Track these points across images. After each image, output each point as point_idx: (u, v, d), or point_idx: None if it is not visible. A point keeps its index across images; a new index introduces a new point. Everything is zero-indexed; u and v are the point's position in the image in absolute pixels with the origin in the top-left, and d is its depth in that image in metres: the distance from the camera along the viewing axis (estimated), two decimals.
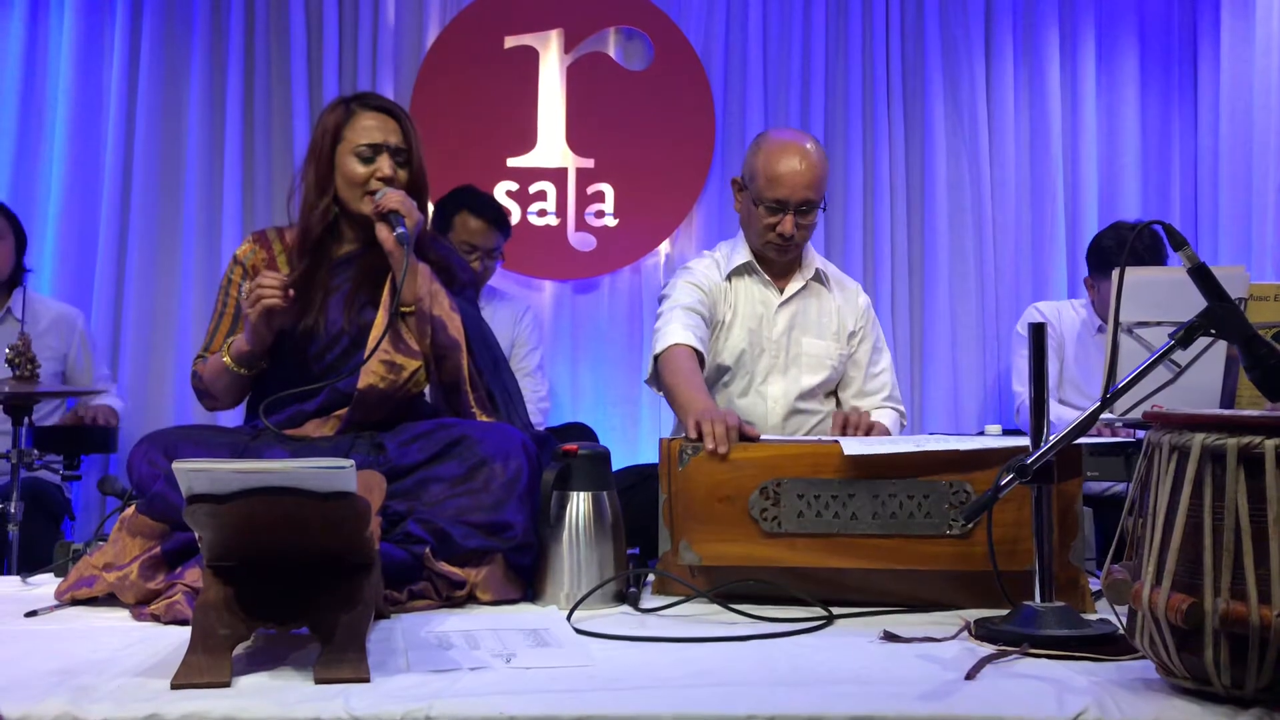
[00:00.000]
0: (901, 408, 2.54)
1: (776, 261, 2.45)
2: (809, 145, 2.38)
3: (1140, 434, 2.31)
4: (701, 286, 2.40)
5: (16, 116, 3.75)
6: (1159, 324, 2.18)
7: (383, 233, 1.92)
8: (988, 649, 1.44)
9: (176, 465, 1.22)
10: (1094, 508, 2.77)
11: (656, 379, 2.33)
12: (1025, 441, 1.68)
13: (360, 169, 1.99)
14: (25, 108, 3.77)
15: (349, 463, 1.25)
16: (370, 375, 1.88)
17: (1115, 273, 1.86)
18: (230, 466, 1.25)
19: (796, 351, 2.44)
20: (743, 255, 2.45)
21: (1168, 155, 4.08)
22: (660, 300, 2.44)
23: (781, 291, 2.46)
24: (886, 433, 2.30)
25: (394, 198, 1.93)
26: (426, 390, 2.09)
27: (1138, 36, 4.06)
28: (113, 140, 3.75)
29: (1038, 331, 1.60)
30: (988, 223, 3.95)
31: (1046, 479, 1.54)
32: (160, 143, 3.79)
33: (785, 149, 2.36)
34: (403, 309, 1.92)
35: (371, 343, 1.89)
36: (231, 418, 3.58)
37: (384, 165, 1.99)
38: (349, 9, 3.88)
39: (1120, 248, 3.02)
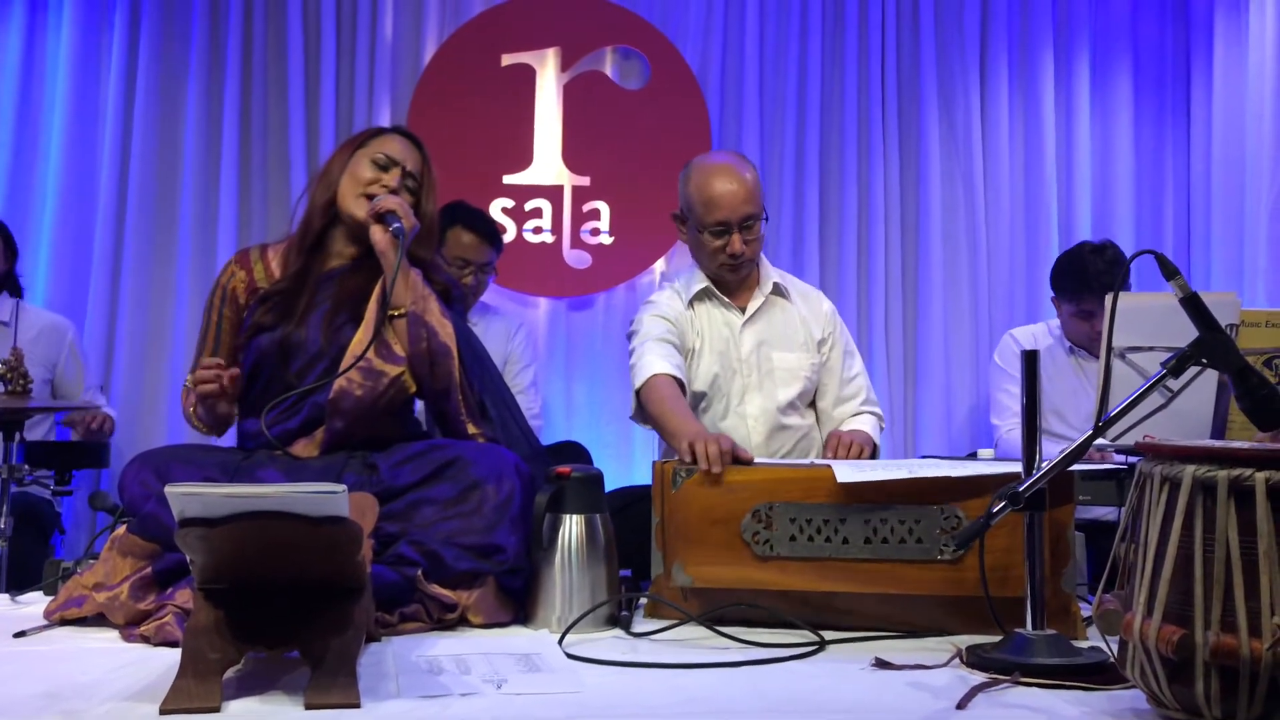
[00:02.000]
0: (879, 410, 2.54)
1: (732, 281, 2.47)
2: (737, 163, 2.41)
3: (1131, 459, 2.31)
4: (668, 317, 2.41)
5: (12, 127, 3.75)
6: (1151, 349, 2.19)
7: (377, 234, 1.93)
8: (979, 677, 1.44)
9: (169, 489, 1.22)
10: (1085, 533, 2.77)
11: (641, 413, 2.34)
12: (1017, 467, 1.68)
13: (369, 173, 2.02)
14: (21, 119, 3.77)
15: (341, 488, 1.24)
16: (345, 381, 1.88)
17: (1108, 298, 1.87)
18: (222, 491, 1.25)
19: (769, 368, 2.44)
20: (700, 281, 2.47)
21: (1161, 178, 4.10)
22: (629, 337, 2.46)
23: (743, 310, 2.47)
24: (872, 445, 2.30)
25: (392, 201, 1.96)
26: (418, 405, 2.09)
27: (1131, 60, 4.09)
28: (109, 154, 3.75)
29: (1030, 359, 1.60)
30: (981, 244, 3.97)
31: (1039, 506, 1.55)
32: (156, 156, 3.80)
33: (715, 171, 2.38)
34: (392, 312, 1.91)
35: (359, 346, 1.89)
36: (224, 438, 3.59)
37: (392, 177, 2.02)
38: (347, 25, 3.89)
39: (1073, 271, 3.02)
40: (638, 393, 2.29)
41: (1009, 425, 3.20)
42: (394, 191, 2.00)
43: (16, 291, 3.31)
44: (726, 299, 2.47)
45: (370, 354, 1.89)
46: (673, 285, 2.53)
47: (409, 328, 1.93)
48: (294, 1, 3.83)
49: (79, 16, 3.80)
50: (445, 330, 1.96)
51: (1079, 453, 1.50)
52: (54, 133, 3.77)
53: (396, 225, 1.91)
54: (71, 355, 3.32)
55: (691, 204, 2.40)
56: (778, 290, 2.51)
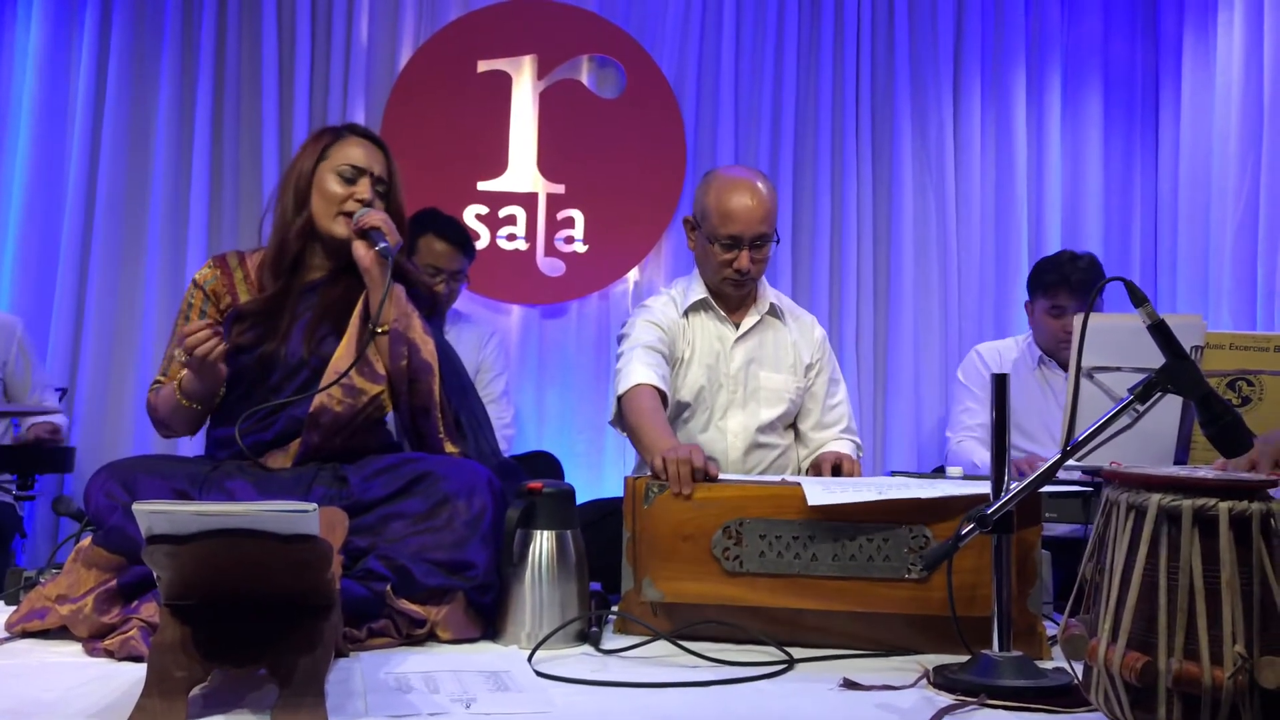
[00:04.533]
0: (858, 439, 2.57)
1: (732, 296, 2.48)
2: (759, 181, 2.41)
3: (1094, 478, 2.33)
4: (660, 325, 2.41)
5: None
6: (1118, 369, 2.22)
7: (360, 250, 1.91)
8: (946, 699, 1.45)
9: (137, 507, 1.21)
10: (1051, 550, 2.79)
11: (620, 419, 2.34)
12: (986, 487, 1.69)
13: (339, 188, 1.98)
14: None
15: (312, 506, 1.24)
16: (325, 397, 1.86)
17: (1077, 319, 1.89)
18: (191, 509, 1.24)
19: (755, 386, 2.45)
20: (698, 292, 2.47)
21: (1129, 196, 4.16)
22: (620, 340, 2.46)
23: (737, 326, 2.48)
24: (856, 471, 2.33)
25: (376, 216, 1.93)
26: (389, 417, 2.08)
27: (1102, 80, 4.15)
28: (77, 152, 3.70)
29: (999, 383, 1.62)
30: (952, 258, 4.00)
31: (1006, 529, 1.56)
32: (126, 156, 3.75)
33: (736, 186, 2.38)
34: (378, 329, 1.90)
35: (341, 363, 1.87)
36: (189, 445, 3.55)
37: (363, 188, 1.98)
38: (322, 27, 3.87)
39: (1053, 268, 3.10)
40: (619, 398, 2.29)
41: (959, 438, 3.24)
42: (368, 203, 1.98)
43: None
44: (722, 313, 2.48)
45: (352, 372, 1.87)
46: (669, 292, 2.53)
47: (391, 344, 1.92)
48: (269, 1, 3.80)
49: (48, 12, 3.75)
50: (427, 347, 1.95)
51: (1047, 476, 1.51)
52: (21, 130, 3.71)
53: (384, 245, 1.89)
54: (20, 352, 3.21)
55: (707, 213, 2.40)
56: (773, 311, 2.52)
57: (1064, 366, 3.12)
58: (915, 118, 4.04)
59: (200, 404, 1.94)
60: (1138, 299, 1.50)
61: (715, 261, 2.40)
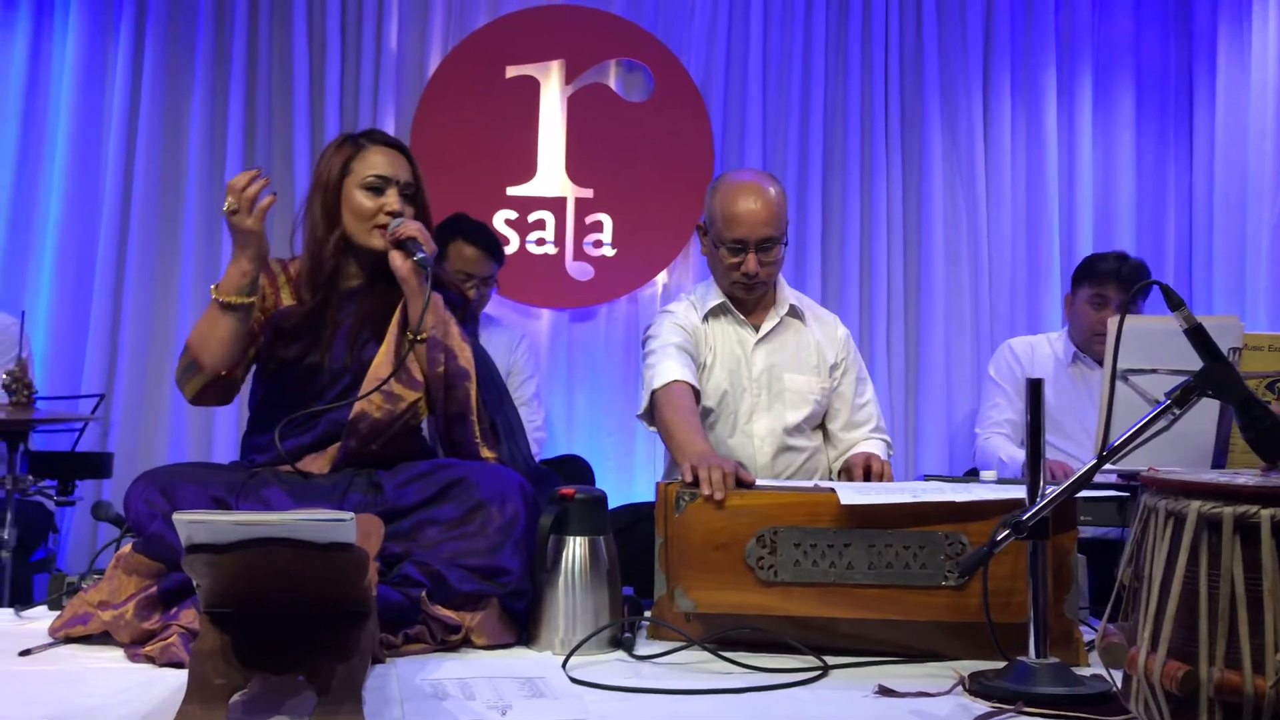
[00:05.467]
0: (888, 438, 2.56)
1: (747, 300, 2.47)
2: (765, 183, 2.40)
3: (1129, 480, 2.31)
4: (685, 328, 2.42)
5: (17, 134, 3.76)
6: (1153, 371, 2.20)
7: (397, 260, 1.92)
8: (982, 706, 1.44)
9: (177, 517, 1.22)
10: (1086, 553, 2.77)
11: (650, 414, 2.33)
12: (1021, 492, 1.68)
13: (368, 202, 1.99)
14: (27, 125, 3.78)
15: (349, 515, 1.25)
16: (365, 403, 1.88)
17: (1112, 322, 1.88)
18: (230, 518, 1.25)
19: (779, 388, 2.45)
20: (716, 297, 2.47)
21: (1163, 196, 4.12)
22: (645, 341, 2.46)
23: (757, 330, 2.47)
24: (888, 472, 2.31)
25: (412, 226, 1.94)
26: (425, 423, 2.09)
27: (1134, 79, 4.11)
28: (113, 162, 3.75)
29: (1034, 387, 1.60)
30: (983, 260, 3.98)
31: (1042, 535, 1.55)
32: (160, 164, 3.80)
33: (742, 189, 2.38)
34: (417, 337, 1.91)
35: (381, 371, 1.88)
36: (224, 452, 3.59)
37: (392, 199, 1.99)
38: (352, 34, 3.90)
39: (1101, 260, 3.12)
40: (654, 393, 2.28)
41: (987, 434, 3.23)
42: (398, 214, 1.99)
43: None
44: (741, 316, 2.47)
45: (391, 379, 1.88)
46: (689, 298, 2.53)
47: (429, 351, 1.93)
48: (299, 10, 3.83)
49: (84, 23, 3.80)
50: (464, 354, 1.96)
51: (1083, 482, 1.50)
52: (58, 140, 3.77)
53: (421, 255, 1.90)
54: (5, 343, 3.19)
55: (714, 217, 2.41)
56: (793, 312, 2.51)
57: (1098, 360, 3.11)
58: (945, 118, 4.02)
59: (241, 297, 1.88)
60: (1174, 302, 1.49)
61: (723, 265, 2.41)
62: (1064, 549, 1.72)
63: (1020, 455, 3.06)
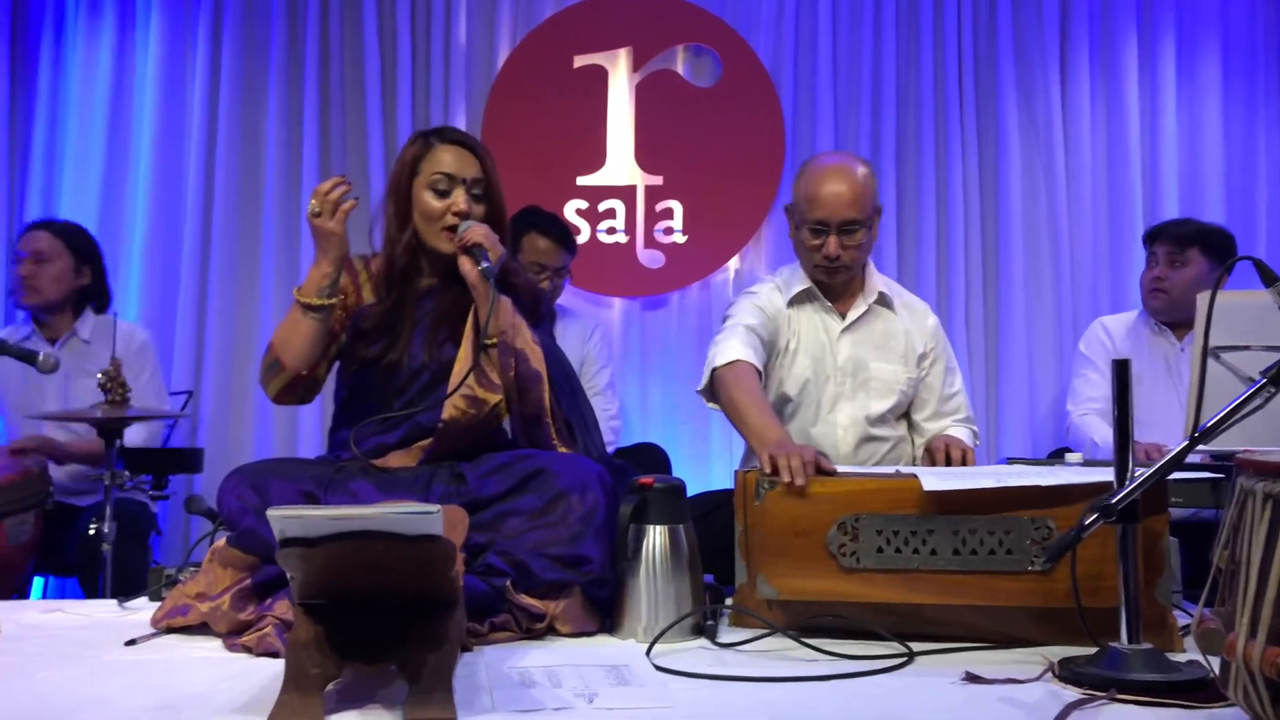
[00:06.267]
0: (975, 427, 2.52)
1: (832, 285, 2.44)
2: (852, 165, 2.37)
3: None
4: (765, 310, 2.39)
5: (104, 143, 3.89)
6: (1246, 348, 2.13)
7: (465, 265, 1.93)
8: (1073, 693, 1.42)
9: (270, 512, 1.26)
10: (1179, 535, 2.70)
11: (710, 391, 2.32)
12: (1109, 474, 1.64)
13: (435, 203, 2.00)
14: (113, 134, 3.91)
15: (436, 508, 1.27)
16: (452, 409, 1.91)
17: (1202, 299, 1.82)
18: (322, 513, 1.28)
19: (864, 377, 2.41)
20: (802, 282, 2.44)
21: (1253, 165, 3.98)
22: (724, 319, 2.44)
23: (843, 317, 2.44)
24: (973, 459, 2.27)
25: (478, 231, 1.94)
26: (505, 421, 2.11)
27: (1220, 43, 3.97)
28: (194, 165, 3.86)
29: (1121, 368, 1.57)
30: (1064, 236, 3.89)
31: (1132, 518, 1.52)
32: (240, 167, 3.90)
33: (828, 171, 2.35)
34: (486, 342, 1.93)
35: (456, 379, 1.91)
36: (311, 442, 3.68)
37: (459, 199, 2.00)
38: (421, 31, 3.95)
39: (1158, 229, 3.17)
40: (716, 370, 2.25)
41: (1081, 411, 3.18)
42: (465, 214, 2.00)
43: (103, 305, 3.32)
44: (828, 303, 2.44)
45: (472, 382, 1.91)
46: (775, 280, 2.50)
47: (500, 355, 1.94)
48: (369, 9, 3.90)
49: (164, 31, 3.91)
50: (536, 356, 1.97)
51: (1175, 463, 1.47)
52: (143, 145, 3.89)
53: (485, 265, 1.90)
54: (132, 364, 3.25)
55: (799, 199, 2.38)
56: (882, 300, 2.47)
57: (1154, 315, 3.13)
58: (1021, 93, 3.93)
59: (322, 299, 1.93)
60: (1269, 278, 1.45)
61: (806, 248, 2.38)
62: (1155, 532, 1.68)
63: (1103, 434, 3.00)
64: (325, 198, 1.89)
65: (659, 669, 1.54)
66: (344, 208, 1.89)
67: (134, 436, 3.20)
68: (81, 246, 3.26)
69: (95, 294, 3.29)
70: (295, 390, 2.02)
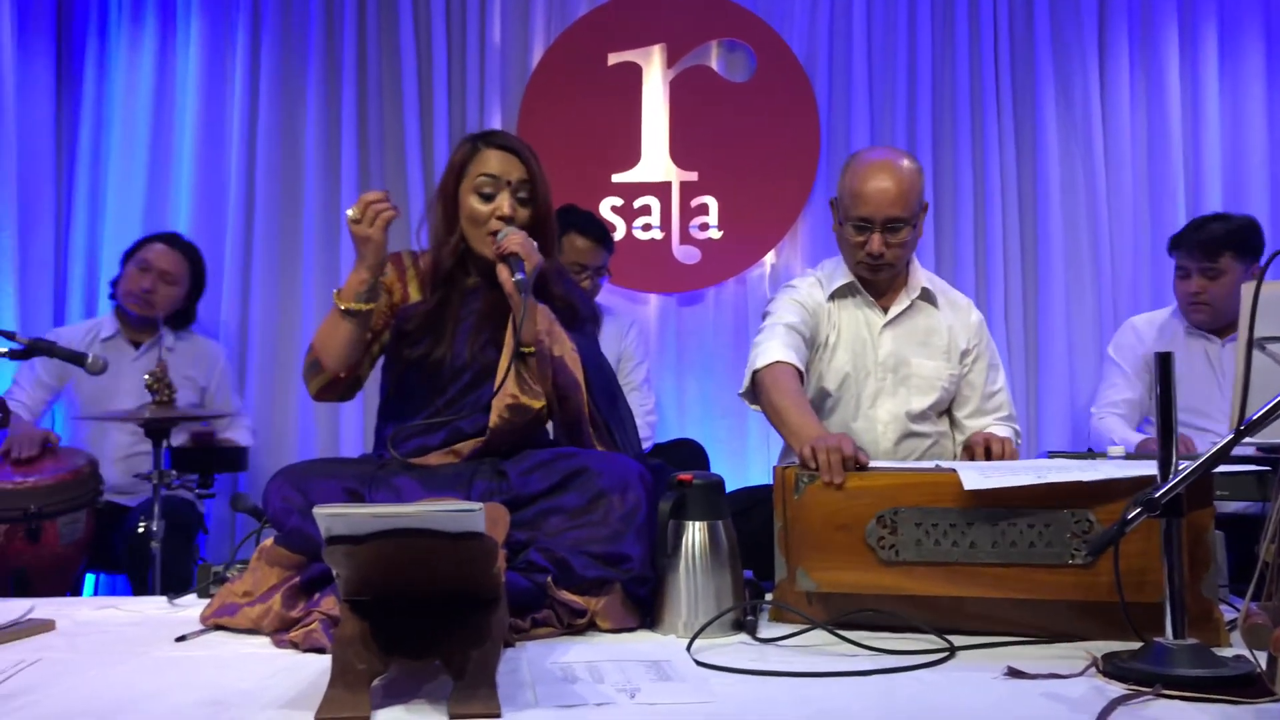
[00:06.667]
0: (1017, 425, 2.50)
1: (875, 280, 2.42)
2: (899, 161, 2.34)
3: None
4: (806, 305, 2.38)
5: (148, 147, 3.95)
6: None
7: (503, 274, 1.93)
8: (1117, 688, 1.41)
9: (317, 511, 1.28)
10: (1224, 529, 2.67)
11: (752, 393, 2.31)
12: (1152, 468, 1.63)
13: (480, 206, 2.02)
14: (156, 135, 3.97)
15: (478, 505, 1.29)
16: (496, 417, 1.93)
17: (1246, 289, 1.80)
18: (366, 511, 1.31)
19: (905, 373, 2.40)
20: (844, 276, 2.43)
21: None
22: (764, 316, 2.44)
23: (885, 312, 2.43)
24: (1013, 453, 2.25)
25: (515, 240, 1.94)
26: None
27: (1263, 29, 3.90)
28: (236, 167, 3.91)
29: (1164, 361, 1.55)
30: (1104, 228, 3.84)
31: (1176, 512, 1.50)
32: (280, 169, 3.95)
33: (872, 166, 2.33)
34: (524, 350, 1.94)
35: (497, 388, 1.93)
36: (353, 439, 3.72)
37: (504, 204, 2.01)
38: (456, 31, 3.98)
39: (1183, 230, 3.10)
40: (757, 373, 2.25)
41: (1101, 413, 3.17)
42: (509, 218, 2.01)
43: (186, 322, 3.46)
44: (870, 298, 2.43)
45: (515, 389, 1.92)
46: (817, 274, 2.49)
47: (538, 364, 1.95)
48: (405, 11, 3.93)
49: (204, 33, 3.97)
50: (574, 362, 1.98)
51: (1219, 458, 1.45)
52: (185, 147, 3.95)
53: (520, 278, 1.89)
54: (221, 380, 3.47)
55: (843, 194, 2.37)
56: (925, 295, 2.45)
57: (1200, 328, 3.06)
58: (1059, 81, 3.89)
59: (360, 304, 1.94)
60: None
61: (849, 244, 2.37)
62: (1200, 525, 1.66)
63: (1134, 437, 2.98)
64: (368, 205, 1.90)
65: (700, 664, 1.55)
66: (384, 216, 1.91)
67: (243, 439, 3.43)
68: (200, 273, 3.45)
69: (186, 314, 3.45)
70: (336, 389, 2.06)
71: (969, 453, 2.28)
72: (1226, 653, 1.53)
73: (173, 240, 3.41)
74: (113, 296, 3.39)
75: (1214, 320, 3.02)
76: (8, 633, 1.73)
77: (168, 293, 3.33)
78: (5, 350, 2.46)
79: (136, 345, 3.32)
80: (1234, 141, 3.89)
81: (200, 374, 3.40)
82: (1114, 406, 3.13)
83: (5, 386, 3.53)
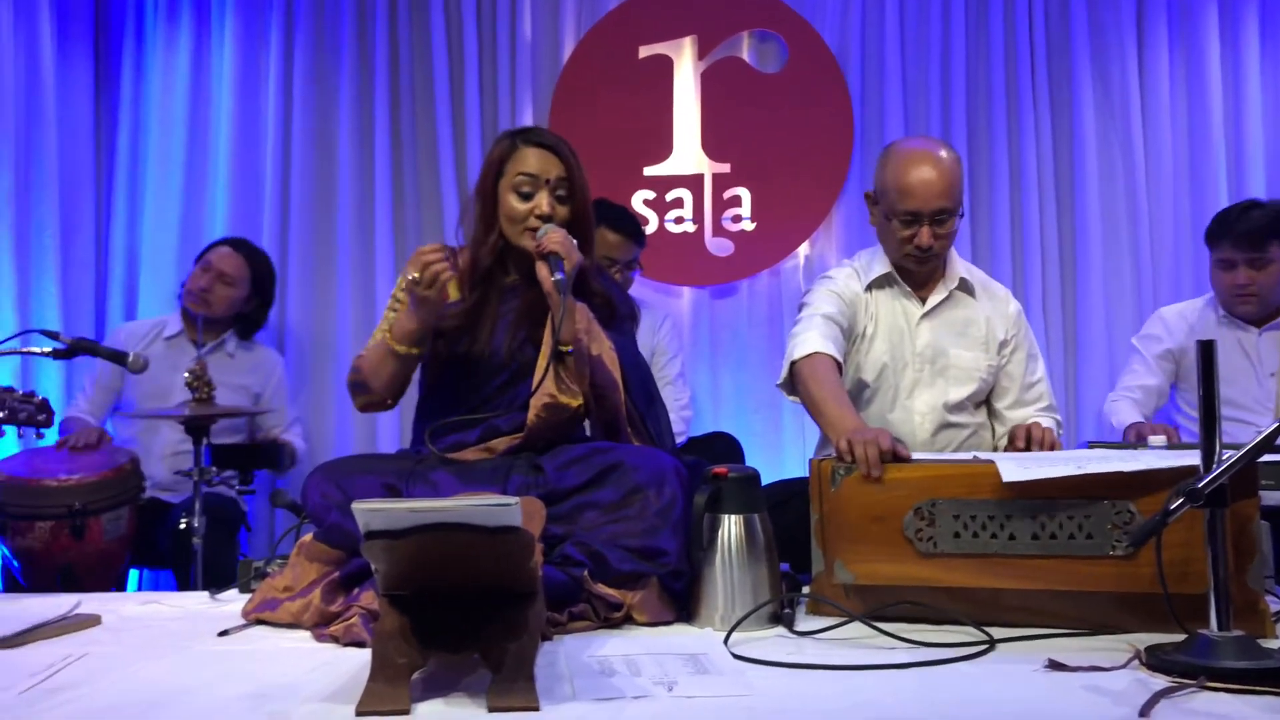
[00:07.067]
0: (1058, 415, 2.47)
1: (916, 272, 2.41)
2: (939, 152, 2.32)
3: None
4: (843, 296, 2.37)
5: (184, 145, 3.98)
6: None
7: (542, 272, 1.94)
8: (1161, 681, 1.39)
9: (356, 506, 1.29)
10: (1270, 520, 2.62)
11: (790, 384, 2.30)
12: (1194, 458, 1.61)
13: (519, 205, 2.02)
14: (192, 136, 4.00)
15: (514, 500, 1.30)
16: (534, 416, 1.94)
17: (1243, 273, 1.77)
18: (404, 506, 1.32)
19: (943, 364, 2.38)
20: (882, 266, 2.41)
21: None
22: (800, 307, 2.42)
23: (923, 302, 2.41)
24: (1054, 442, 2.23)
25: (555, 238, 1.94)
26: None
27: None
28: (271, 163, 3.94)
29: (1206, 350, 1.53)
30: (1143, 215, 3.79)
31: (1220, 503, 1.48)
32: (314, 169, 3.98)
33: (914, 158, 2.31)
34: (562, 349, 1.94)
35: (536, 386, 1.94)
36: (389, 435, 3.75)
37: (542, 201, 2.01)
38: (487, 27, 3.99)
39: (1220, 218, 3.02)
40: (795, 364, 2.23)
41: (1115, 396, 3.13)
42: (548, 216, 2.00)
43: (252, 329, 3.52)
44: (908, 288, 2.42)
45: (553, 388, 1.93)
46: (854, 264, 2.48)
47: (575, 363, 1.96)
48: (436, 8, 3.94)
49: (239, 33, 3.99)
50: (612, 361, 1.98)
51: (1265, 446, 1.43)
52: (221, 149, 3.98)
53: (559, 278, 1.89)
54: (278, 388, 3.51)
55: (885, 188, 2.35)
56: (964, 286, 2.43)
57: (1246, 320, 3.00)
58: (1096, 67, 3.84)
59: (410, 348, 1.99)
60: None
61: (896, 238, 2.34)
62: (1245, 516, 1.64)
63: (1131, 420, 2.95)
64: (428, 268, 1.90)
65: (737, 657, 1.55)
66: (442, 279, 1.92)
67: (298, 444, 3.49)
68: (263, 278, 3.49)
69: (254, 321, 3.50)
70: (379, 407, 2.12)
71: (1013, 445, 2.25)
72: (1272, 644, 1.52)
73: (239, 244, 3.47)
74: (180, 296, 3.45)
75: (1261, 310, 2.98)
76: (55, 627, 1.76)
77: (224, 293, 3.37)
78: (49, 350, 2.50)
79: (199, 346, 3.37)
80: (1276, 128, 3.82)
81: (255, 381, 3.45)
82: (1129, 391, 3.09)
83: (54, 383, 3.60)
